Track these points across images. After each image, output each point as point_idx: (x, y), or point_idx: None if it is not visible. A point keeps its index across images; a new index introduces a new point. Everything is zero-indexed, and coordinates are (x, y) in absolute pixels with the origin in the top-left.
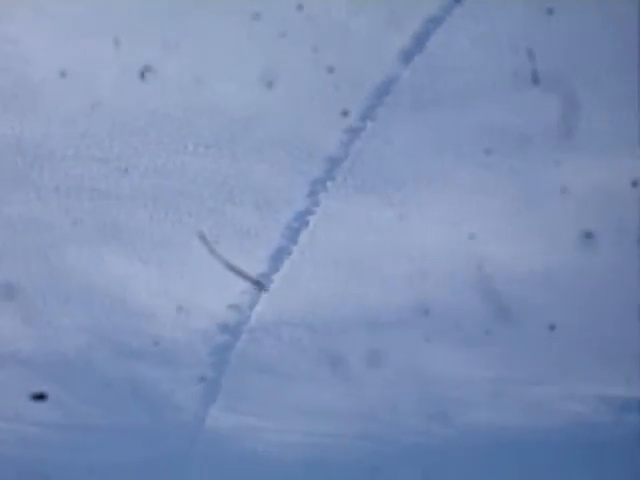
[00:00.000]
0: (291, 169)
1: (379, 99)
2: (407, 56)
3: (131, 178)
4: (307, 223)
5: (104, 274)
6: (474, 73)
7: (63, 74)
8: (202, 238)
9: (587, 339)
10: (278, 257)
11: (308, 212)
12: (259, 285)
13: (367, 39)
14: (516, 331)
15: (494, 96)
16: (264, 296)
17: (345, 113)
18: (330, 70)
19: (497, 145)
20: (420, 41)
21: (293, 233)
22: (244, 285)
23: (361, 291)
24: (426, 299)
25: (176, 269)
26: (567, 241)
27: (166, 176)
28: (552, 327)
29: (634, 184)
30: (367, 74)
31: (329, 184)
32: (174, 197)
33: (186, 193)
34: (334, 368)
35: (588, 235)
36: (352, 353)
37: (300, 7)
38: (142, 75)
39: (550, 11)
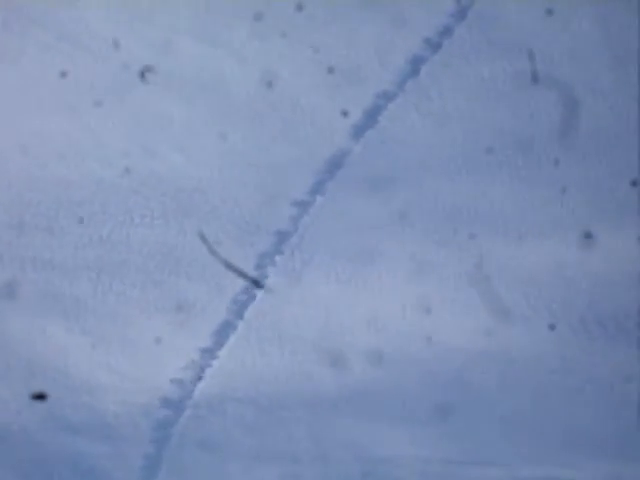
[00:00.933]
0: (238, 242)
1: (330, 173)
2: (358, 130)
3: (75, 248)
4: (254, 297)
5: (45, 345)
6: (428, 149)
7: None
8: (202, 238)
9: (540, 422)
10: (223, 331)
11: (255, 286)
12: (259, 285)
13: (319, 115)
14: (467, 411)
15: (447, 173)
16: (208, 371)
17: (296, 189)
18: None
19: (448, 222)
20: (372, 115)
21: (239, 307)
22: (187, 360)
23: (307, 368)
24: (374, 377)
25: (119, 341)
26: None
27: (111, 246)
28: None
29: (634, 184)
30: (318, 149)
31: (277, 258)
32: (119, 268)
33: (131, 264)
34: (277, 446)
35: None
36: (296, 431)
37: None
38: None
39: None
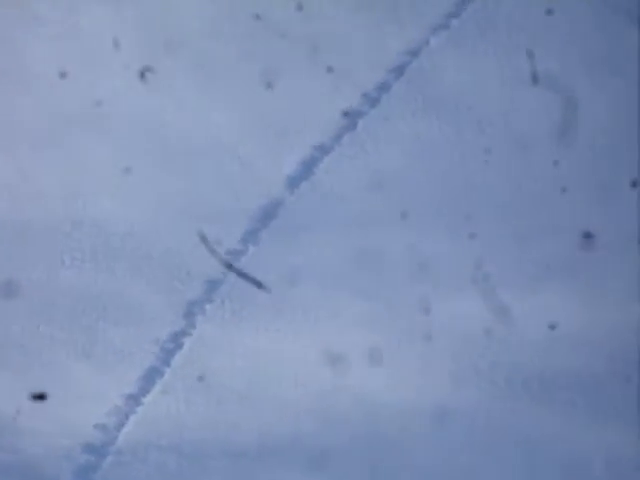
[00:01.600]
0: (169, 288)
1: (263, 223)
2: (293, 181)
3: (2, 290)
4: (181, 345)
5: None
6: (360, 203)
7: None
8: (202, 238)
9: None
10: (149, 378)
11: (183, 334)
12: (261, 287)
13: (255, 165)
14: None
15: (378, 226)
16: (132, 417)
17: (225, 240)
18: (228, 192)
19: (378, 275)
20: (308, 167)
21: (167, 354)
22: (112, 405)
23: (233, 418)
24: (300, 430)
25: (45, 383)
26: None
27: (40, 289)
28: None
29: (634, 184)
30: (253, 199)
31: (207, 306)
32: (47, 310)
33: (60, 307)
34: None
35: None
36: None
37: None
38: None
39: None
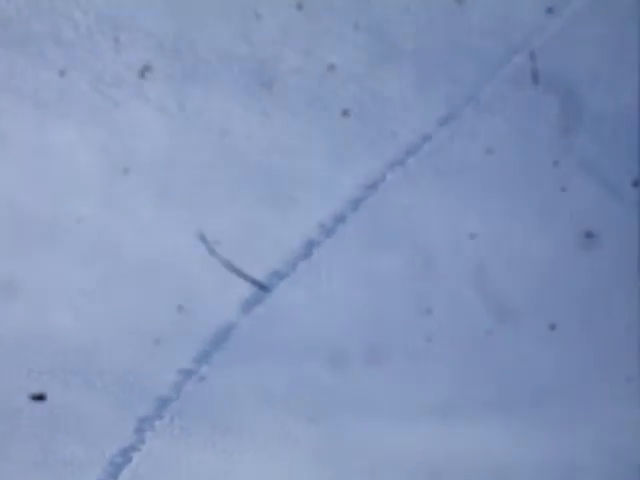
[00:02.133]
0: (120, 404)
1: (217, 345)
2: (248, 305)
3: None
4: (130, 459)
5: None
6: (312, 329)
7: None
8: (202, 239)
9: None
10: None
11: (132, 449)
12: (262, 287)
13: (209, 288)
14: None
15: (330, 359)
16: None
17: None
18: (181, 315)
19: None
20: (260, 292)
21: (115, 469)
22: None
23: None
24: None
25: None
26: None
27: None
28: None
29: (634, 184)
30: (207, 320)
31: (156, 423)
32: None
33: (12, 418)
34: None
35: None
36: None
37: None
38: None
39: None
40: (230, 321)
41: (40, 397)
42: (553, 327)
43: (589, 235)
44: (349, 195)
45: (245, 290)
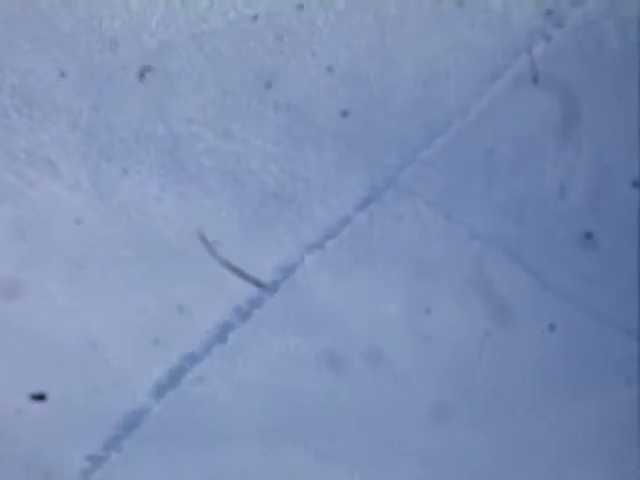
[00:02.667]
0: None
1: (127, 430)
2: (160, 389)
3: None
4: None
5: None
6: (228, 418)
7: None
8: (202, 239)
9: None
10: None
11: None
12: (260, 286)
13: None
14: None
15: (243, 443)
16: None
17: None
18: (93, 395)
19: None
20: (176, 377)
21: None
22: None
23: None
24: None
25: None
26: None
27: None
28: None
29: (634, 184)
30: (117, 404)
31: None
32: None
33: None
34: None
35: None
36: None
37: None
38: None
39: None
40: (141, 406)
41: (40, 397)
42: (553, 327)
43: (588, 236)
44: (265, 279)
45: (159, 375)
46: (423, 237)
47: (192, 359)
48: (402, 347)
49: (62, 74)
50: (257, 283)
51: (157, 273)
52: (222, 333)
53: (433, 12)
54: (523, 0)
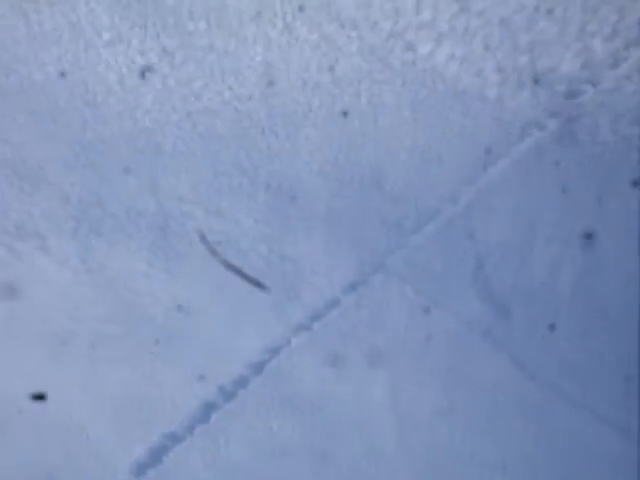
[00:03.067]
0: None
1: None
2: (141, 468)
3: None
4: None
5: None
6: None
7: None
8: (202, 239)
9: None
10: None
11: None
12: (261, 287)
13: (104, 449)
14: None
15: None
16: None
17: None
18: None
19: None
20: (157, 455)
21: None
22: None
23: None
24: None
25: None
26: None
27: None
28: None
29: (634, 184)
30: None
31: None
32: None
33: None
34: None
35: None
36: None
37: None
38: None
39: None
40: None
41: (40, 397)
42: (553, 327)
43: (588, 236)
44: (251, 359)
45: (140, 453)
46: (410, 322)
47: (174, 438)
48: (387, 433)
49: (55, 148)
50: (257, 284)
51: (142, 350)
52: (205, 413)
53: (427, 98)
54: (518, 89)
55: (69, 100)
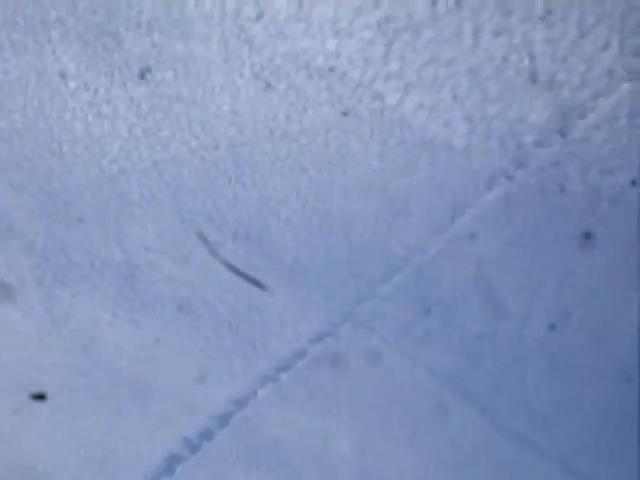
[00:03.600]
0: None
1: None
2: None
3: None
4: None
5: None
6: None
7: None
8: (202, 239)
9: None
10: None
11: None
12: (261, 287)
13: None
14: None
15: None
16: None
17: None
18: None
19: None
20: None
21: None
22: None
23: None
24: None
25: None
26: None
27: None
28: None
29: (633, 184)
30: None
31: None
32: None
33: None
34: None
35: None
36: None
37: None
38: None
39: None
40: None
41: (40, 396)
42: (553, 327)
43: (587, 236)
44: (217, 410)
45: None
46: (378, 373)
47: None
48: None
49: (20, 197)
50: (257, 284)
51: (106, 402)
52: (170, 465)
53: (396, 148)
54: (486, 139)
55: (35, 149)
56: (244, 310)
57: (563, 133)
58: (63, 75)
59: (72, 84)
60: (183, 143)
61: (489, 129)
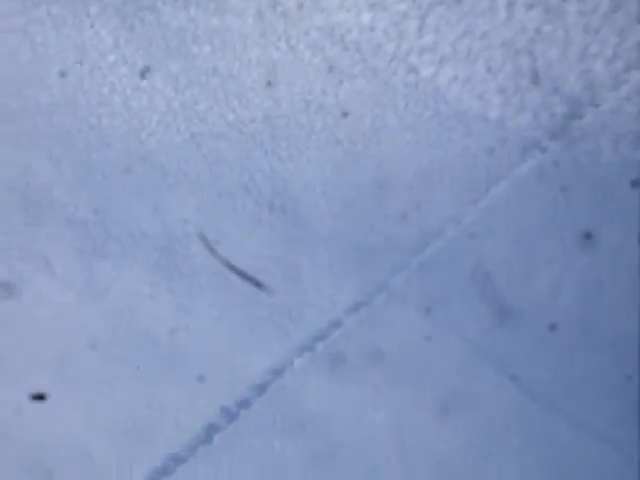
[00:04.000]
0: None
1: None
2: None
3: None
4: None
5: None
6: None
7: None
8: (202, 239)
9: None
10: None
11: None
12: (261, 287)
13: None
14: None
15: None
16: None
17: None
18: None
19: None
20: (160, 475)
21: None
22: None
23: None
24: None
25: None
26: None
27: None
28: None
29: (633, 184)
30: None
31: None
32: None
33: None
34: None
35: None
36: None
37: None
38: None
39: None
40: None
41: (40, 397)
42: (553, 327)
43: (588, 236)
44: (254, 380)
45: (142, 474)
46: (412, 343)
47: (177, 459)
48: (390, 454)
49: (59, 171)
50: (257, 284)
51: (145, 372)
52: (208, 434)
53: (430, 120)
54: (519, 111)
55: (73, 122)
56: (280, 281)
57: (595, 105)
58: (101, 49)
59: (110, 58)
60: (220, 116)
61: (522, 101)
